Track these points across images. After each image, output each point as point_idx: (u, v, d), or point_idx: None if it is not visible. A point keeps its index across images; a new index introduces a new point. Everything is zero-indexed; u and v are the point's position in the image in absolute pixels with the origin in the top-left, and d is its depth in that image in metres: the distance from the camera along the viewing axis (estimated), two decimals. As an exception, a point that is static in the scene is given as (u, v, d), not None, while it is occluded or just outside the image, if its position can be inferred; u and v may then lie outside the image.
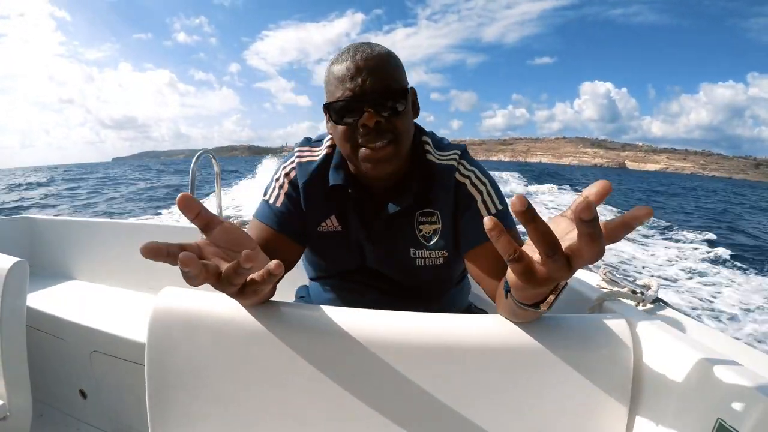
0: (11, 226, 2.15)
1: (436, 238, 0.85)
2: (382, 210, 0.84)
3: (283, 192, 0.87)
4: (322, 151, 0.89)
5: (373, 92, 0.73)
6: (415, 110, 0.84)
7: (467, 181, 0.84)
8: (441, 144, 0.89)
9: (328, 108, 0.77)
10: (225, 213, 2.23)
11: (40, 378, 1.46)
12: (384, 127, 0.74)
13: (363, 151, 0.76)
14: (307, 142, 0.93)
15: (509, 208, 0.83)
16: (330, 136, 0.87)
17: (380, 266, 0.88)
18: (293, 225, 0.86)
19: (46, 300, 1.71)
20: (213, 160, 2.03)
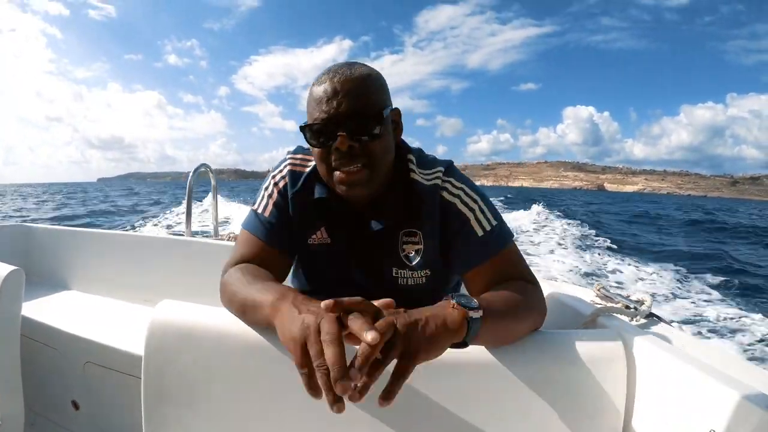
0: (7, 234, 2.14)
1: (418, 259, 0.83)
2: (365, 227, 0.83)
3: (272, 201, 0.85)
4: (314, 161, 0.87)
5: (348, 116, 0.72)
6: (398, 130, 0.83)
7: (457, 201, 0.81)
8: (425, 161, 0.86)
9: (303, 129, 0.76)
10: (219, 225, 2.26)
11: (33, 387, 1.44)
12: (357, 151, 0.73)
13: (337, 174, 0.75)
14: (301, 149, 0.91)
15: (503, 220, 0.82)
16: None
17: (364, 283, 0.86)
18: (283, 236, 0.84)
19: (40, 309, 1.69)
20: (210, 174, 2.08)
